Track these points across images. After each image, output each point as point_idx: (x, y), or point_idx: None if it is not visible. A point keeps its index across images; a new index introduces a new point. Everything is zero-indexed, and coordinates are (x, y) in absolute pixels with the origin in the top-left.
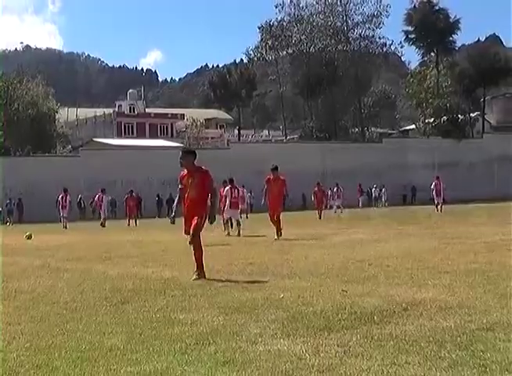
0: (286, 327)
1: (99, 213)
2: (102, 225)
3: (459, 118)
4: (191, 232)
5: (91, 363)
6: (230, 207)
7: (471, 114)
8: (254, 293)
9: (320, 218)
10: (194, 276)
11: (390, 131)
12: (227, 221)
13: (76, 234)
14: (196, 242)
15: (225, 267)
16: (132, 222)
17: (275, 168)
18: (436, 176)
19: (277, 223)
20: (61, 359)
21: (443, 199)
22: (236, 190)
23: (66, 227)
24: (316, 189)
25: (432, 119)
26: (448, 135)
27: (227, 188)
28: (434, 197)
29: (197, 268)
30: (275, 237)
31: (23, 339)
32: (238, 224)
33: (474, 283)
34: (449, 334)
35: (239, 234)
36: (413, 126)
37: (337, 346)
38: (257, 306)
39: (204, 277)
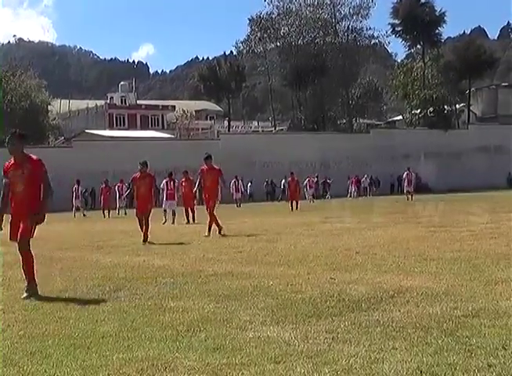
0: (276, 314)
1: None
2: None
3: (445, 109)
4: (18, 239)
5: (84, 350)
6: (167, 199)
7: (457, 106)
8: (244, 281)
9: (292, 209)
10: (24, 294)
11: (377, 123)
12: (164, 211)
13: (68, 224)
14: (24, 251)
15: (215, 256)
16: (109, 213)
17: (208, 157)
18: (407, 167)
19: (209, 217)
20: (54, 347)
21: (413, 188)
22: (172, 182)
23: (75, 216)
24: (290, 179)
25: (419, 110)
26: (434, 125)
27: (164, 181)
28: (405, 186)
29: (28, 283)
30: (206, 234)
31: (17, 327)
32: (173, 214)
33: (460, 270)
34: (435, 320)
35: (173, 222)
36: (400, 117)
37: (326, 333)
38: (246, 294)
39: (37, 293)
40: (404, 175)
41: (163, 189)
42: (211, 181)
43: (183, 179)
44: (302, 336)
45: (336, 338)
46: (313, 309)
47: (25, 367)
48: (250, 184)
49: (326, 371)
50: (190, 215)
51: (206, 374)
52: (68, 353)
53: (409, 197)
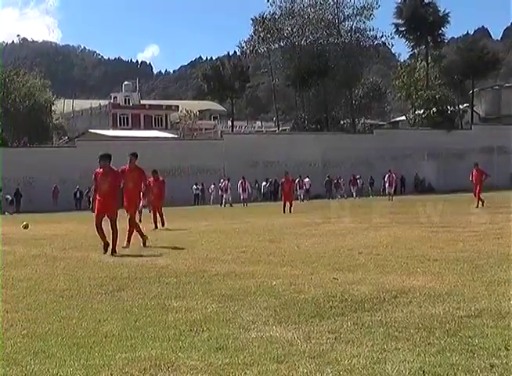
0: (279, 313)
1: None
2: None
3: (448, 110)
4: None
5: (87, 349)
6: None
7: (460, 106)
8: (247, 281)
9: (284, 211)
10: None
11: (380, 123)
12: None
13: (72, 224)
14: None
15: (218, 256)
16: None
17: (133, 155)
18: (389, 170)
19: (129, 224)
20: (57, 346)
21: (394, 190)
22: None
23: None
24: (284, 180)
25: (422, 110)
26: (437, 126)
27: None
28: (387, 187)
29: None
30: (123, 245)
31: (20, 326)
32: (139, 212)
33: (463, 271)
34: (438, 320)
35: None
36: (403, 117)
37: (328, 333)
38: (249, 294)
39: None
40: (386, 177)
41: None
42: (134, 183)
43: (151, 179)
44: (305, 336)
45: (338, 338)
46: (316, 309)
47: (28, 367)
48: (261, 184)
49: (329, 371)
50: (159, 219)
51: (209, 373)
52: (71, 352)
53: (391, 197)
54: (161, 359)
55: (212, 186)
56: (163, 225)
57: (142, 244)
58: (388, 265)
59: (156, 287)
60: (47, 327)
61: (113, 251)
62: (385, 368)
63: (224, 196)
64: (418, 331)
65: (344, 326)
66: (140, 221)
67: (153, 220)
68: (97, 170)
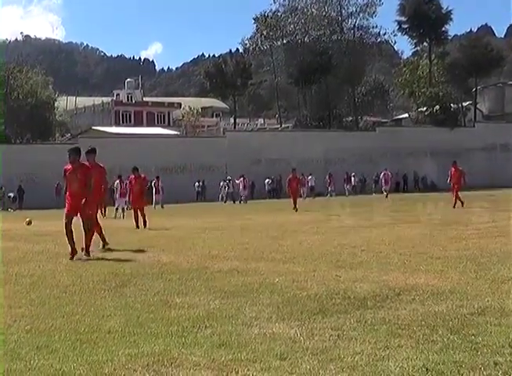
0: (281, 310)
1: None
2: None
3: (451, 107)
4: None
5: (90, 345)
6: (120, 197)
7: (463, 103)
8: (250, 277)
9: (296, 209)
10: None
11: (383, 120)
12: (116, 209)
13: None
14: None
15: (221, 252)
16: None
17: (91, 152)
18: (385, 168)
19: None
20: (61, 342)
21: (390, 187)
22: (124, 183)
23: (162, 207)
24: (291, 176)
25: (425, 108)
26: (440, 123)
27: (117, 181)
28: (383, 185)
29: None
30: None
31: (23, 322)
32: (122, 210)
33: (466, 268)
34: (441, 318)
35: (122, 217)
36: (406, 115)
37: (331, 330)
38: (252, 290)
39: None
40: (381, 175)
41: (116, 189)
42: (95, 182)
43: (132, 177)
44: (308, 333)
45: (341, 336)
46: (319, 306)
47: (32, 362)
48: (268, 181)
49: (332, 368)
50: (140, 219)
51: (212, 369)
52: (74, 348)
53: (386, 195)
54: (164, 355)
55: (222, 182)
56: (145, 225)
57: (101, 246)
58: (391, 262)
59: (158, 283)
60: (50, 322)
61: (87, 252)
62: (388, 365)
63: (241, 193)
64: (421, 329)
65: (347, 323)
66: (123, 218)
67: (134, 219)
68: (66, 166)
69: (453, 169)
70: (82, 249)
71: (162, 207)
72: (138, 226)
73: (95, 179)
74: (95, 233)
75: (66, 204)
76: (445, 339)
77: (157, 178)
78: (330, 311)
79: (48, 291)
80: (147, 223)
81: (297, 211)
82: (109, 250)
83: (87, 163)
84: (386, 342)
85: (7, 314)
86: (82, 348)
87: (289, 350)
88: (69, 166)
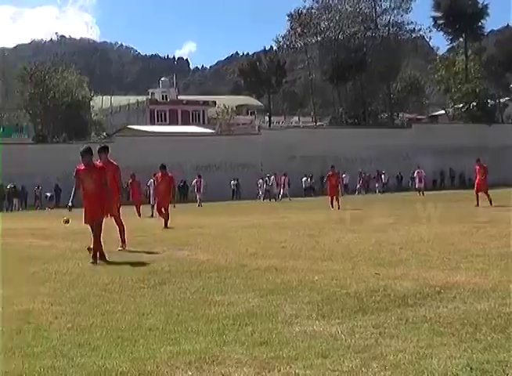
0: (321, 308)
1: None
2: None
3: (488, 103)
4: None
5: (131, 342)
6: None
7: (501, 100)
8: (288, 275)
9: (333, 206)
10: None
11: (418, 117)
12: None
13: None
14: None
15: (258, 250)
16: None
17: (103, 149)
18: (417, 166)
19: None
20: (102, 339)
21: (424, 185)
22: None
23: (200, 205)
24: (330, 173)
25: (461, 104)
26: (477, 120)
27: (151, 180)
28: (417, 183)
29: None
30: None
31: (64, 319)
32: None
33: (507, 266)
34: (484, 316)
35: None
36: (442, 111)
37: (372, 327)
38: (291, 288)
39: None
40: (415, 174)
41: (150, 187)
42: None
43: (159, 174)
44: (349, 331)
45: (383, 333)
46: (359, 304)
47: (74, 358)
48: (306, 179)
49: (374, 366)
50: (164, 217)
51: (253, 367)
52: (116, 345)
53: (421, 193)
54: (206, 353)
55: (260, 180)
56: (166, 225)
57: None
58: (430, 260)
59: (197, 281)
60: (91, 320)
61: (94, 257)
62: (431, 363)
63: (281, 191)
64: (464, 327)
65: (388, 321)
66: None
67: (159, 217)
68: (79, 166)
69: (478, 167)
70: (90, 250)
71: (200, 205)
72: (166, 225)
73: (110, 178)
74: (125, 232)
75: (84, 211)
76: (489, 338)
77: (199, 176)
78: (371, 309)
79: (87, 288)
80: (168, 223)
81: (338, 208)
82: (130, 251)
83: (98, 161)
84: (428, 340)
85: (48, 311)
86: (124, 346)
87: (330, 348)
88: (82, 166)
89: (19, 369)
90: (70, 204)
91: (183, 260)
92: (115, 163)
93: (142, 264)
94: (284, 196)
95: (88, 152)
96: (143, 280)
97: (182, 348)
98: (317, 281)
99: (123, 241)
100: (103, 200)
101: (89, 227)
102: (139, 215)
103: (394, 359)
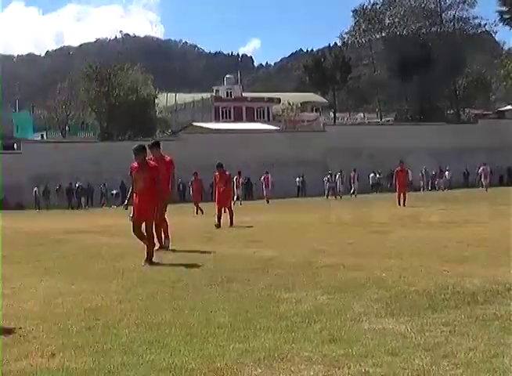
0: (390, 306)
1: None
2: None
3: None
4: None
5: (200, 339)
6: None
7: None
8: (355, 272)
9: (399, 204)
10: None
11: (485, 113)
12: None
13: (176, 216)
14: None
15: (325, 248)
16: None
17: (154, 145)
18: (483, 162)
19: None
20: (171, 336)
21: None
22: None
23: (268, 202)
24: (399, 169)
25: None
26: None
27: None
28: (482, 179)
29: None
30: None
31: (133, 316)
32: None
33: None
34: None
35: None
36: (510, 107)
37: (442, 325)
38: (359, 285)
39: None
40: (480, 170)
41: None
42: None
43: (216, 174)
44: (418, 328)
45: (453, 331)
46: (428, 302)
47: (144, 355)
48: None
49: (445, 364)
50: (226, 216)
51: (324, 364)
52: (185, 342)
53: (486, 189)
54: (275, 350)
55: (326, 177)
56: (231, 224)
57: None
58: (499, 257)
59: (264, 278)
60: (159, 317)
61: (150, 260)
62: (503, 362)
63: (352, 186)
64: None
65: (458, 319)
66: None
67: (217, 217)
68: (133, 164)
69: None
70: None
71: (267, 201)
72: (219, 225)
73: (161, 173)
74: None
75: (133, 209)
76: None
77: (267, 173)
78: (440, 306)
79: (155, 285)
80: (233, 222)
81: (404, 204)
82: (173, 251)
83: (151, 158)
84: (499, 339)
85: (117, 308)
86: (193, 343)
87: (400, 346)
88: (135, 164)
89: (90, 366)
90: (126, 201)
91: (250, 257)
92: (168, 158)
93: (209, 262)
94: (352, 192)
95: (140, 150)
96: (210, 277)
97: (251, 346)
98: (385, 278)
99: (166, 237)
100: (153, 199)
101: (131, 224)
102: (196, 213)
103: (465, 358)
